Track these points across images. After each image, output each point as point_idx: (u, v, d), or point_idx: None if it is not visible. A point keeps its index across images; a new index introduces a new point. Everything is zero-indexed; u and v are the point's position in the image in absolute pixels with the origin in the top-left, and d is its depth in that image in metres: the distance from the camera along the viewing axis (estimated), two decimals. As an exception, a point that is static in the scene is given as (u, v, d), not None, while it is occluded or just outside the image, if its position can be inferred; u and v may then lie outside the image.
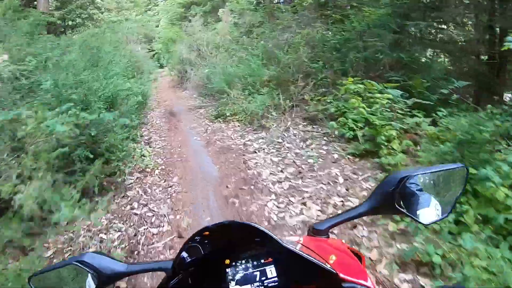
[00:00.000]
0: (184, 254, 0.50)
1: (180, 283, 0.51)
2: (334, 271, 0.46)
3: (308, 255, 0.47)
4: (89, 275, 0.54)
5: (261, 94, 5.28)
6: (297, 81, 5.08)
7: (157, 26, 23.71)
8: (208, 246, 0.53)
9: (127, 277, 1.61)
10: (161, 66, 25.59)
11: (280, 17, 10.04)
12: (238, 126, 4.81)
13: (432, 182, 0.59)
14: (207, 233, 0.50)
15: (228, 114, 5.14)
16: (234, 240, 0.54)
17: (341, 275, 0.47)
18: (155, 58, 27.68)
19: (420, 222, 0.56)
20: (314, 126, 4.46)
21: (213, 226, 0.48)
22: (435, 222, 0.58)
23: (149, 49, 25.22)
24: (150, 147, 4.39)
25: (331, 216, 0.69)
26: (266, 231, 0.47)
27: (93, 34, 6.90)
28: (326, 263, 0.48)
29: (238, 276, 0.51)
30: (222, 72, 6.54)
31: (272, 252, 0.53)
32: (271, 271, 0.51)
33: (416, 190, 0.57)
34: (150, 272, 1.00)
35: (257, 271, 0.52)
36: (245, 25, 12.18)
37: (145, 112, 6.75)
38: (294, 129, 4.43)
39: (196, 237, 0.50)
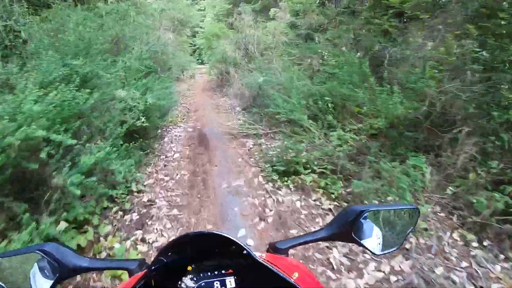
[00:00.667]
0: (157, 257, 0.51)
1: (144, 285, 0.49)
2: (298, 287, 0.47)
3: (277, 270, 0.48)
4: (50, 265, 0.53)
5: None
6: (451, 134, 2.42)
7: (202, 21, 22.02)
8: (179, 253, 0.53)
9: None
10: (202, 63, 23.66)
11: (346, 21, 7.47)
12: (331, 209, 2.27)
13: (386, 217, 0.63)
14: (184, 240, 0.52)
15: (307, 180, 2.62)
16: (203, 248, 0.55)
17: None
18: (196, 54, 26.91)
19: (372, 253, 0.60)
20: (489, 246, 1.85)
21: (193, 234, 0.51)
22: (386, 253, 0.63)
23: (191, 44, 24.12)
24: (143, 240, 2.01)
25: (291, 237, 0.70)
26: (242, 243, 0.50)
27: (110, 11, 4.74)
28: (291, 279, 0.49)
29: (198, 283, 0.51)
30: (290, 86, 4.05)
31: (234, 264, 0.54)
32: (230, 282, 0.52)
33: (370, 223, 0.61)
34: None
35: (217, 280, 0.52)
36: (304, 27, 9.65)
37: (163, 129, 4.48)
38: (453, 247, 1.84)
39: (174, 243, 0.51)
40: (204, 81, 12.61)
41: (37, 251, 0.52)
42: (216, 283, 0.51)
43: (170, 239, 0.59)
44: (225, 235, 0.50)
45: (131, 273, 0.57)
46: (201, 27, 23.50)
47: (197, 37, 24.11)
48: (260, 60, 7.48)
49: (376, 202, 2.12)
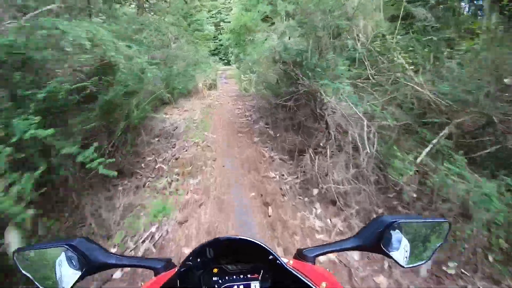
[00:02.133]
0: (186, 261, 0.51)
1: (169, 283, 0.49)
2: None
3: (305, 278, 0.46)
4: (78, 260, 0.53)
5: None
6: None
7: (227, 15, 19.65)
8: (207, 255, 0.53)
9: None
10: (228, 63, 20.53)
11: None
12: None
13: (415, 229, 0.61)
14: (213, 245, 0.52)
15: None
16: (230, 252, 0.55)
17: None
18: (221, 52, 22.42)
19: (400, 265, 0.57)
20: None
21: (223, 239, 0.52)
22: (413, 267, 0.60)
23: (215, 39, 19.61)
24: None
25: (319, 244, 0.64)
26: (270, 249, 0.50)
27: None
28: None
29: (222, 285, 0.52)
30: None
31: (260, 269, 0.53)
32: (255, 286, 0.52)
33: (399, 234, 0.59)
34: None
35: (242, 284, 0.52)
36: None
37: None
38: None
39: (203, 247, 0.52)
40: (232, 97, 7.24)
41: (65, 246, 0.52)
42: (241, 287, 0.51)
43: (200, 243, 0.50)
44: (255, 240, 0.50)
45: (157, 272, 0.57)
46: (225, 21, 19.79)
47: (223, 33, 20.26)
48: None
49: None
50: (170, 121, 4.25)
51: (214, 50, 23.41)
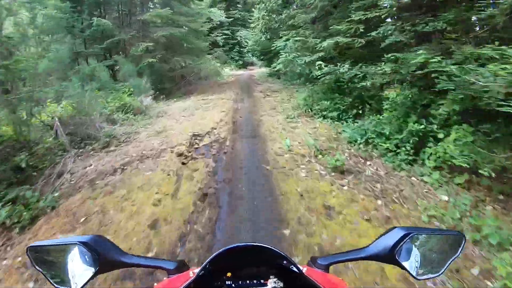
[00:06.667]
0: (207, 264, 0.50)
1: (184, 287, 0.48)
2: None
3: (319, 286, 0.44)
4: (91, 258, 0.51)
5: None
6: None
7: None
8: (222, 260, 0.52)
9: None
10: (243, 65, 17.69)
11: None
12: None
13: (429, 242, 0.59)
14: (234, 250, 0.51)
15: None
16: (246, 257, 0.54)
17: None
18: (234, 48, 16.89)
19: (414, 277, 0.56)
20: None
21: (240, 247, 0.51)
22: (427, 279, 0.59)
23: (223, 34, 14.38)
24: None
25: (333, 253, 0.64)
26: (288, 256, 0.50)
27: None
28: None
29: None
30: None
31: (273, 275, 0.52)
32: None
33: (413, 246, 0.57)
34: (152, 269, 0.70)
35: None
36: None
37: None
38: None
39: (221, 254, 0.50)
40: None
41: (79, 243, 0.51)
42: None
43: (222, 249, 0.50)
44: (270, 247, 0.49)
45: (170, 273, 0.56)
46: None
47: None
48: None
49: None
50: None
51: (224, 46, 17.71)
